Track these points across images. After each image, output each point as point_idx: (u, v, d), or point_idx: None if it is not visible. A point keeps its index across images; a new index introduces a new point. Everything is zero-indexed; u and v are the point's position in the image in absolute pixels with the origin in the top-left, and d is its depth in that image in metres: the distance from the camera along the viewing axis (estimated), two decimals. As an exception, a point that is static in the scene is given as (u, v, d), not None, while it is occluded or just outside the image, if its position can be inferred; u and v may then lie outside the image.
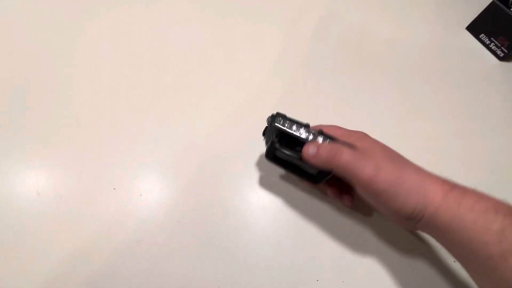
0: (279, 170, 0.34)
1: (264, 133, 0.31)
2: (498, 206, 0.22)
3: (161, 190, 0.33)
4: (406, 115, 0.41)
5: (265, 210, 0.33)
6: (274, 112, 0.29)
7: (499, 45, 0.47)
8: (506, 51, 0.47)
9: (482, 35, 0.49)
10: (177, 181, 0.33)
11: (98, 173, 0.33)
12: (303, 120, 0.29)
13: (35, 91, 0.37)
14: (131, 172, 0.33)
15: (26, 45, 0.40)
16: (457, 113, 0.42)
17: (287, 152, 0.28)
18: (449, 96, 0.44)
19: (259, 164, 0.35)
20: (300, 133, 0.28)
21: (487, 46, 0.49)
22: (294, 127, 0.28)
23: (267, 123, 0.30)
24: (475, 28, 0.50)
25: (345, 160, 0.25)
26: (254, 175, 0.34)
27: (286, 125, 0.28)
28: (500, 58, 0.48)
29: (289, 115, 0.29)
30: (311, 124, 0.29)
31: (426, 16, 0.52)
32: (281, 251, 0.31)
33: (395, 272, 0.30)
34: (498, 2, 0.46)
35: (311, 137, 0.27)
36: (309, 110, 0.39)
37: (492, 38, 0.48)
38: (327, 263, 0.30)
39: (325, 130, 0.28)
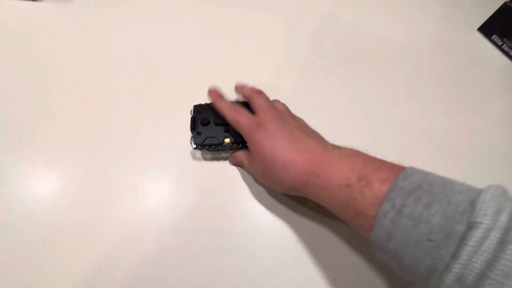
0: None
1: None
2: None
3: (181, 192, 0.34)
4: (415, 115, 0.41)
5: (283, 212, 0.33)
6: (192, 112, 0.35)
7: (512, 46, 0.48)
8: (519, 52, 0.47)
9: (495, 36, 0.49)
10: (196, 184, 0.34)
11: (119, 175, 0.34)
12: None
13: (57, 99, 0.38)
14: (151, 175, 0.34)
15: (46, 54, 0.42)
16: (468, 115, 0.43)
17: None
18: (460, 97, 0.44)
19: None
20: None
21: (499, 47, 0.49)
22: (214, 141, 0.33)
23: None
24: (487, 29, 0.50)
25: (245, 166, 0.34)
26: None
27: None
28: (513, 59, 0.48)
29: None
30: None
31: (437, 17, 0.52)
32: (299, 251, 0.31)
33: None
34: (510, 4, 0.46)
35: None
36: (316, 109, 0.40)
37: (504, 39, 0.48)
38: (345, 262, 0.31)
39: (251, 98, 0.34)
